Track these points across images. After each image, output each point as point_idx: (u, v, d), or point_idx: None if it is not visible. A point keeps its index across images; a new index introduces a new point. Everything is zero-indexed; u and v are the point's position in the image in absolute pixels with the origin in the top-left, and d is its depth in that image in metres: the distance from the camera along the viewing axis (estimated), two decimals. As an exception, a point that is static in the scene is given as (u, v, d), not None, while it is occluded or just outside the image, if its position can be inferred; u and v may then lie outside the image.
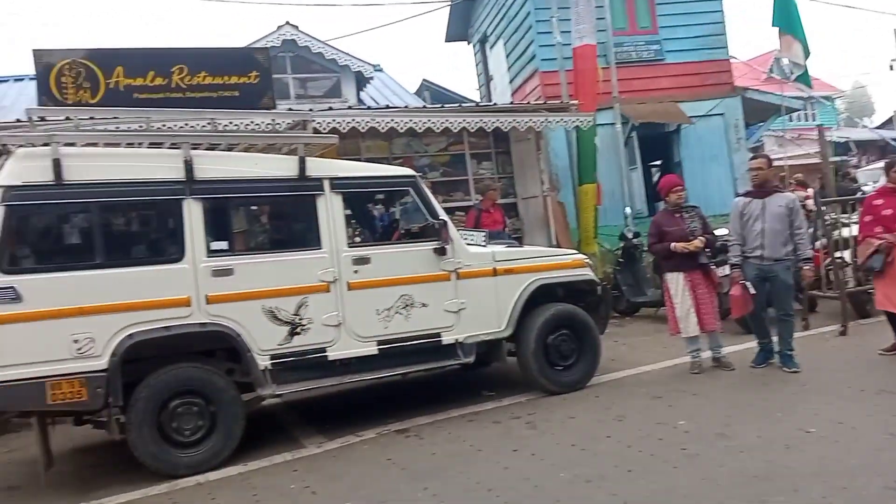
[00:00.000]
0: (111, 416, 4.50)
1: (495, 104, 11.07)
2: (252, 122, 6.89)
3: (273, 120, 6.21)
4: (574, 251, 6.96)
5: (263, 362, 4.84)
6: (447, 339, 5.47)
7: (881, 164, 13.65)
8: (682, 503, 3.62)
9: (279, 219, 6.01)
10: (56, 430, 4.95)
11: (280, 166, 5.17)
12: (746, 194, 6.09)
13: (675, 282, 6.11)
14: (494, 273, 5.75)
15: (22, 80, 13.19)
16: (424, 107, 11.32)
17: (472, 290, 5.61)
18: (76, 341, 4.36)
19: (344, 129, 8.17)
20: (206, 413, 4.67)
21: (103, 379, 4.39)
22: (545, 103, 10.13)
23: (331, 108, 9.22)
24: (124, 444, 4.57)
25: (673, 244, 6.00)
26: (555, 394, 5.74)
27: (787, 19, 11.04)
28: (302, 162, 5.11)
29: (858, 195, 9.47)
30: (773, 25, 11.19)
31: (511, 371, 6.09)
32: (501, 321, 5.72)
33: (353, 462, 4.64)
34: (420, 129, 8.77)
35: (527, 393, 5.84)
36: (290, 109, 9.32)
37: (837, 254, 7.41)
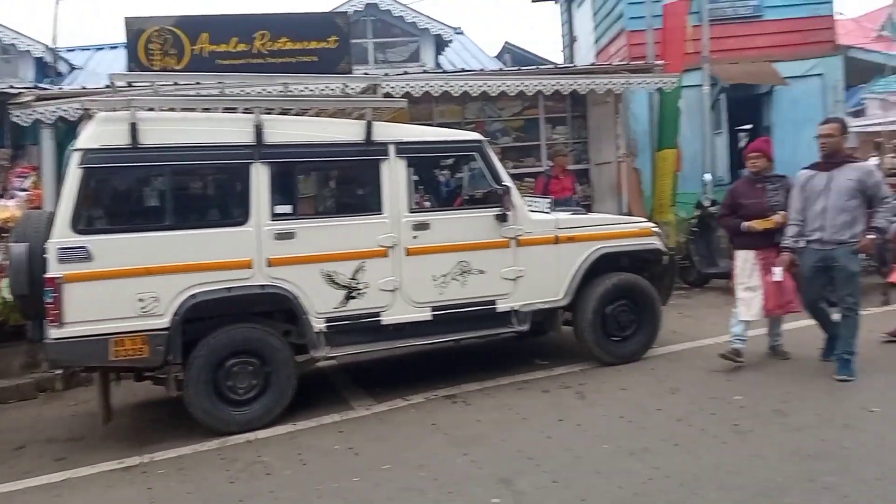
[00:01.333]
0: (170, 373, 4.76)
1: (574, 66, 10.77)
2: (324, 87, 7.10)
3: (344, 84, 6.30)
4: (643, 219, 6.78)
5: (319, 325, 5.00)
6: (502, 306, 5.49)
7: None
8: (725, 479, 3.56)
9: (344, 183, 6.15)
10: (120, 386, 5.23)
11: (347, 131, 5.25)
12: (813, 166, 5.24)
13: (744, 260, 5.46)
14: (556, 241, 5.70)
15: (116, 48, 13.88)
16: (501, 70, 11.19)
17: (531, 258, 5.59)
18: (141, 300, 4.60)
19: (417, 93, 8.20)
20: (260, 373, 4.86)
21: (164, 337, 4.61)
22: (627, 64, 9.78)
23: (406, 73, 9.25)
24: (181, 400, 4.82)
25: (743, 223, 5.36)
26: (610, 365, 5.69)
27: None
28: (368, 126, 5.17)
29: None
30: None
31: (567, 341, 6.06)
32: (560, 290, 5.68)
33: (398, 425, 4.76)
34: (494, 93, 8.67)
35: (580, 363, 5.81)
36: (366, 74, 9.42)
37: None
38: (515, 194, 5.59)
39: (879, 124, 11.20)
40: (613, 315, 5.74)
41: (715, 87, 10.71)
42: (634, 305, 5.82)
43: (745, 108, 11.79)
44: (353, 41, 10.39)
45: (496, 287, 5.48)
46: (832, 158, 5.10)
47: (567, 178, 8.73)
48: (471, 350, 6.54)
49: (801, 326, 5.86)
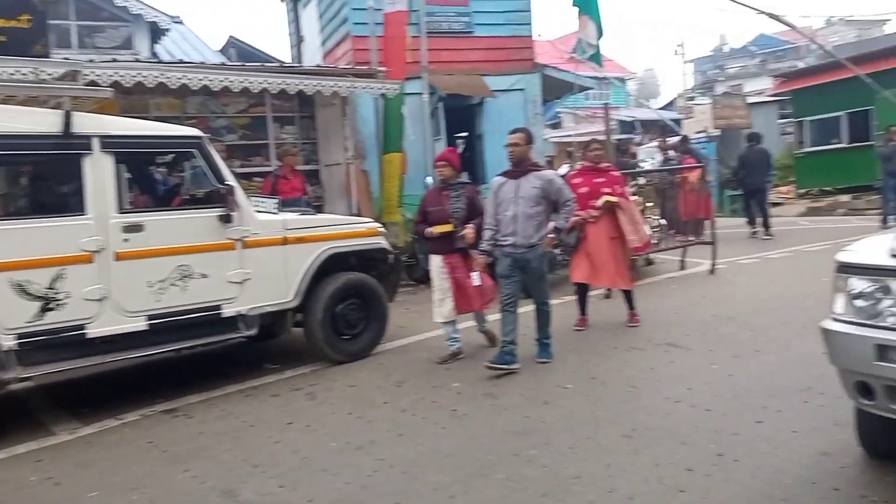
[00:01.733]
0: None
1: (300, 66, 10.73)
2: (14, 71, 6.21)
3: (37, 69, 5.57)
4: (369, 220, 6.99)
5: (8, 342, 4.38)
6: (228, 311, 5.29)
7: (656, 142, 15.13)
8: (444, 462, 3.80)
9: (38, 180, 5.41)
10: None
11: (41, 121, 4.65)
12: (504, 174, 5.49)
13: (435, 265, 5.78)
14: (284, 242, 5.64)
15: None
16: (224, 64, 10.74)
17: (258, 260, 5.46)
18: None
19: (128, 83, 7.51)
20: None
21: None
22: (352, 68, 10.00)
23: (115, 60, 8.45)
24: None
25: (427, 230, 5.66)
26: (340, 363, 5.78)
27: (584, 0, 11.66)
28: (67, 117, 4.63)
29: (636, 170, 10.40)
30: (573, 5, 11.79)
31: (297, 342, 6.04)
32: (289, 291, 5.63)
33: (108, 447, 4.34)
34: (216, 87, 8.29)
35: (312, 364, 5.82)
36: (67, 59, 8.43)
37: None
38: (240, 194, 5.42)
39: (571, 136, 12.82)
40: (343, 314, 5.84)
41: (434, 96, 11.40)
42: (363, 303, 5.98)
43: (462, 116, 12.72)
44: (52, 22, 9.24)
45: (221, 291, 5.26)
46: (519, 167, 5.37)
47: (296, 178, 8.67)
48: (195, 360, 6.19)
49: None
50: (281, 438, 4.30)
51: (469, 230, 5.46)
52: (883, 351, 2.92)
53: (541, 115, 13.07)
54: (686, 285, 8.43)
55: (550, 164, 14.98)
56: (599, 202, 6.40)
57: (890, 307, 2.96)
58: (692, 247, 9.35)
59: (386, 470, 3.74)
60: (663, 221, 9.21)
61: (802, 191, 18.40)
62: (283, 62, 12.65)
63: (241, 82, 8.36)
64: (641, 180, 9.40)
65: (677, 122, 22.48)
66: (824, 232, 11.76)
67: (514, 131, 5.52)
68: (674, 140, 14.66)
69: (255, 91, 8.63)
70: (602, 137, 7.91)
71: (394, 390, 5.10)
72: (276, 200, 6.16)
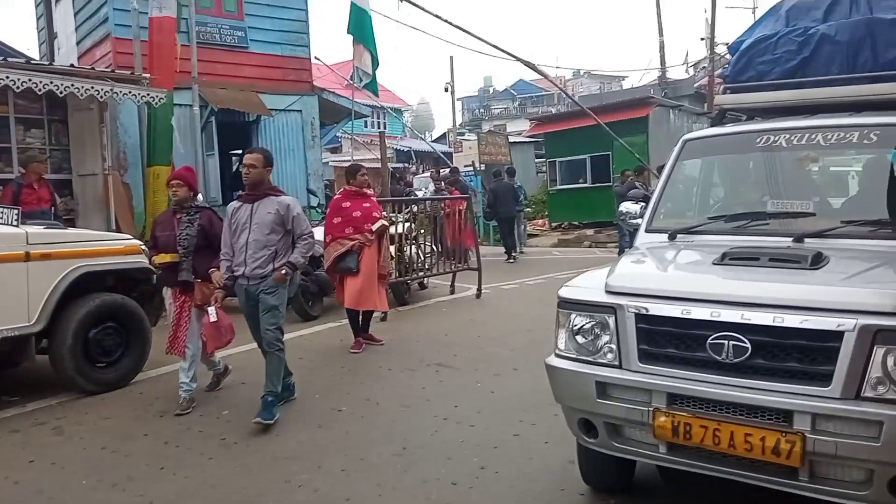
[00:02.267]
0: None
1: (50, 64, 9.68)
2: None
3: None
4: (129, 237, 6.45)
5: None
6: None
7: (429, 172, 15.93)
8: (209, 494, 3.63)
9: None
10: None
11: None
12: (240, 197, 4.94)
13: (167, 298, 5.29)
14: (27, 258, 5.06)
15: None
16: (-45, 54, 9.36)
17: (-7, 278, 4.82)
18: None
19: None
20: None
21: None
22: (112, 72, 9.25)
23: None
24: None
25: (154, 258, 5.16)
26: (94, 394, 5.27)
27: (360, 30, 11.96)
28: None
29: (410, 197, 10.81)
30: (347, 33, 12.02)
31: (43, 371, 5.39)
32: (31, 314, 5.04)
33: None
34: (-55, 80, 7.22)
35: (59, 395, 5.26)
36: None
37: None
38: (-29, 204, 4.75)
39: (350, 160, 12.99)
40: (98, 339, 5.36)
41: (206, 109, 10.95)
42: (121, 328, 5.53)
43: (237, 132, 12.34)
44: None
45: (-55, 314, 4.55)
46: (255, 190, 4.82)
47: (43, 187, 7.77)
48: None
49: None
50: (21, 479, 3.82)
51: (217, 274, 4.84)
52: (603, 388, 2.90)
53: (318, 137, 13.10)
54: (455, 309, 8.92)
55: (329, 187, 15.06)
56: (376, 226, 6.58)
57: (608, 343, 2.94)
58: (460, 272, 9.91)
59: (144, 507, 3.48)
60: (435, 248, 9.66)
61: (555, 224, 20.35)
62: (31, 58, 11.28)
63: (-22, 77, 7.38)
64: (415, 208, 9.79)
65: (448, 154, 23.76)
66: (572, 261, 13.09)
67: (250, 151, 4.96)
68: (445, 171, 15.49)
69: (-5, 88, 7.65)
70: (368, 165, 8.09)
71: (156, 421, 4.75)
72: (16, 211, 5.48)
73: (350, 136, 16.84)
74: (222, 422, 4.71)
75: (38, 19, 14.30)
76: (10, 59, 9.35)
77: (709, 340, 2.66)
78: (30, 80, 7.85)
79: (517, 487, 3.61)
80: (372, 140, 20.07)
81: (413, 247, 9.06)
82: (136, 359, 5.65)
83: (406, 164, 23.41)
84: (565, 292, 3.16)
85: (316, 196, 12.01)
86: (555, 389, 3.15)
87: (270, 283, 4.71)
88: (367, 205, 6.68)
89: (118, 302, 5.56)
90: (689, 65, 30.65)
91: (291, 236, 4.83)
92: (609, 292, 2.98)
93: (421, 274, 9.34)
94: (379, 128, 25.30)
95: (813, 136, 3.50)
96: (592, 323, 2.99)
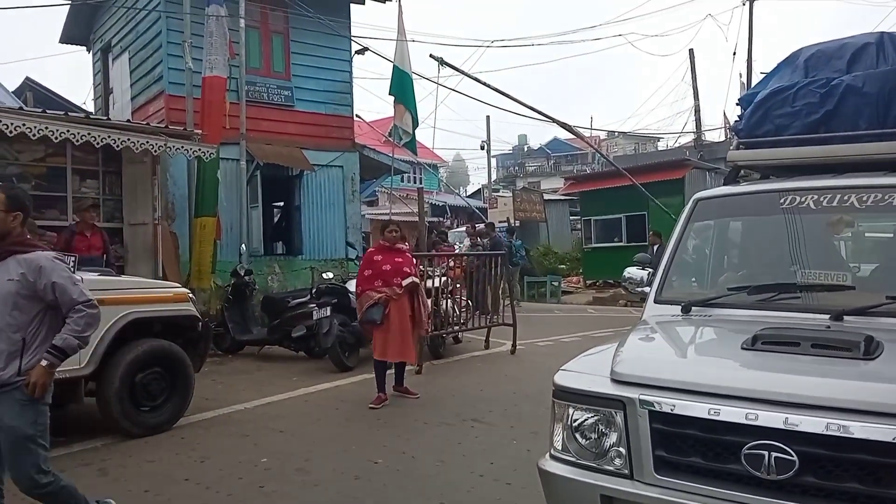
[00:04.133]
0: None
1: (108, 119, 10.16)
2: None
3: None
4: (177, 285, 6.67)
5: None
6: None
7: (465, 227, 16.14)
8: (248, 542, 3.67)
9: None
10: None
11: None
12: None
13: None
14: (81, 303, 5.22)
15: None
16: (21, 108, 9.89)
17: (47, 322, 4.99)
18: None
19: None
20: None
21: None
22: (166, 127, 9.66)
23: None
24: None
25: None
26: (138, 437, 5.37)
27: (401, 90, 12.37)
28: None
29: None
30: (389, 94, 12.44)
31: (89, 413, 5.53)
32: (83, 357, 5.17)
33: None
34: (11, 132, 7.61)
35: (104, 437, 5.37)
36: None
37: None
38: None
39: (387, 213, 13.25)
40: (144, 384, 5.49)
41: (251, 164, 11.34)
42: (166, 373, 5.66)
43: (280, 186, 12.71)
44: None
45: (-1, 356, 4.70)
46: None
47: (95, 235, 8.09)
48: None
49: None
50: (67, 520, 3.87)
51: None
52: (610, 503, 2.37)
53: (358, 192, 13.41)
54: (490, 363, 8.92)
55: (366, 240, 15.34)
56: (406, 282, 6.58)
57: (615, 446, 2.39)
58: (495, 327, 9.93)
59: (188, 551, 3.53)
60: (471, 302, 9.73)
61: (590, 281, 20.32)
62: (90, 112, 11.86)
63: (41, 129, 7.78)
64: (452, 262, 9.91)
65: (483, 210, 24.03)
66: (610, 320, 13.04)
67: None
68: (481, 226, 15.68)
69: (57, 140, 8.04)
70: (404, 219, 8.29)
71: (197, 466, 4.83)
72: (73, 258, 5.70)
73: (388, 191, 17.18)
74: (261, 469, 4.76)
75: (94, 75, 15.07)
76: (70, 114, 9.86)
77: (744, 450, 2.11)
78: (89, 133, 8.21)
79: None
80: (408, 194, 20.43)
81: (448, 300, 9.13)
82: (180, 403, 5.75)
83: (440, 219, 23.67)
84: (561, 378, 2.64)
85: (354, 248, 12.25)
86: (550, 502, 2.63)
87: (18, 397, 3.07)
88: (400, 259, 6.70)
89: (165, 347, 5.70)
90: (727, 128, 30.76)
91: (59, 314, 3.20)
92: (615, 381, 2.45)
93: (456, 328, 9.38)
94: (415, 182, 25.84)
95: (846, 198, 3.08)
96: (595, 419, 2.45)
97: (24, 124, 7.65)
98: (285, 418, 5.98)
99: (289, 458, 4.95)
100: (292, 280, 11.57)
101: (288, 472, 4.70)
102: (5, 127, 7.43)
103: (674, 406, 2.26)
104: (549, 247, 22.90)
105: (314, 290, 8.88)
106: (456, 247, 14.93)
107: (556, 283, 19.48)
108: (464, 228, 16.06)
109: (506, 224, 19.98)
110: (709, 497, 2.17)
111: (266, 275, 11.34)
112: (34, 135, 7.73)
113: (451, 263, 9.84)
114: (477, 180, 48.11)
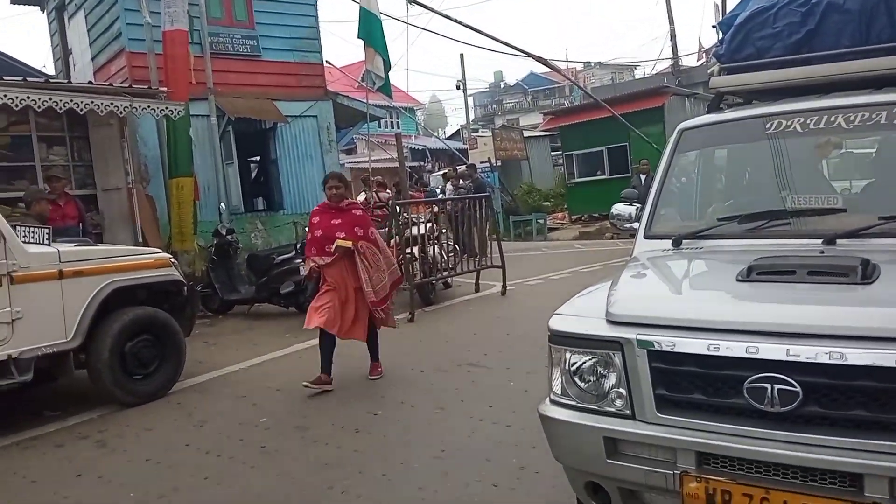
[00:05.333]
0: None
1: (69, 82, 9.80)
2: None
3: None
4: (158, 250, 6.53)
5: None
6: None
7: (445, 170, 15.92)
8: (255, 502, 3.66)
9: None
10: None
11: None
12: None
13: None
14: (60, 276, 5.12)
15: None
16: (-24, 76, 9.49)
17: (30, 297, 4.92)
18: None
19: None
20: None
21: None
22: (130, 87, 9.33)
23: None
24: None
25: None
26: (133, 406, 5.34)
27: (370, 34, 11.95)
28: None
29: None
30: (357, 38, 12.02)
31: (82, 385, 5.48)
32: (69, 330, 5.11)
33: None
34: (-32, 102, 7.32)
35: (99, 408, 5.33)
36: None
37: (407, 249, 8.33)
38: (2, 224, 4.83)
39: (366, 161, 13.02)
40: (133, 352, 5.43)
41: (223, 119, 11.02)
42: (156, 340, 5.60)
43: (254, 140, 12.41)
44: None
45: (-15, 333, 4.61)
46: None
47: (69, 204, 7.88)
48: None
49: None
50: (69, 494, 3.87)
51: None
52: (614, 445, 2.34)
53: (335, 141, 13.14)
54: (481, 307, 8.91)
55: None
56: (332, 247, 5.56)
57: (615, 387, 2.36)
58: (484, 270, 9.91)
59: (193, 517, 3.53)
60: (458, 246, 9.67)
61: (575, 216, 20.30)
62: (49, 76, 11.42)
63: (1, 98, 7.48)
64: (436, 208, 9.80)
65: (464, 151, 23.76)
66: (597, 254, 13.05)
67: None
68: (462, 168, 15.48)
69: (17, 108, 7.74)
70: (384, 166, 8.09)
71: (196, 431, 4.81)
72: (47, 230, 5.56)
73: (365, 138, 16.86)
74: (261, 429, 4.75)
75: (51, 36, 14.46)
76: (29, 79, 9.48)
77: (746, 384, 2.08)
78: (50, 98, 7.93)
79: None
80: (387, 140, 20.09)
81: (436, 247, 9.07)
82: (173, 369, 5.71)
83: (421, 163, 23.39)
84: (556, 323, 2.58)
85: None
86: (553, 446, 2.57)
87: None
88: (337, 221, 5.59)
89: (151, 314, 5.63)
90: (702, 52, 30.40)
91: None
92: (611, 322, 2.40)
93: (445, 273, 9.34)
94: (393, 128, 25.42)
95: (832, 119, 3.01)
96: (593, 361, 2.42)
97: (-19, 93, 7.35)
98: (281, 376, 5.95)
99: (288, 417, 4.94)
100: (276, 236, 11.44)
101: (288, 430, 4.69)
102: (-38, 97, 7.13)
103: (673, 344, 2.23)
104: (533, 184, 22.78)
105: (299, 245, 8.78)
106: (438, 189, 14.75)
107: (541, 221, 19.44)
108: (442, 173, 15.84)
109: (487, 164, 19.76)
110: (713, 433, 2.15)
111: (249, 232, 11.19)
112: (-7, 103, 7.43)
113: (436, 209, 9.72)
114: (455, 121, 47.61)
